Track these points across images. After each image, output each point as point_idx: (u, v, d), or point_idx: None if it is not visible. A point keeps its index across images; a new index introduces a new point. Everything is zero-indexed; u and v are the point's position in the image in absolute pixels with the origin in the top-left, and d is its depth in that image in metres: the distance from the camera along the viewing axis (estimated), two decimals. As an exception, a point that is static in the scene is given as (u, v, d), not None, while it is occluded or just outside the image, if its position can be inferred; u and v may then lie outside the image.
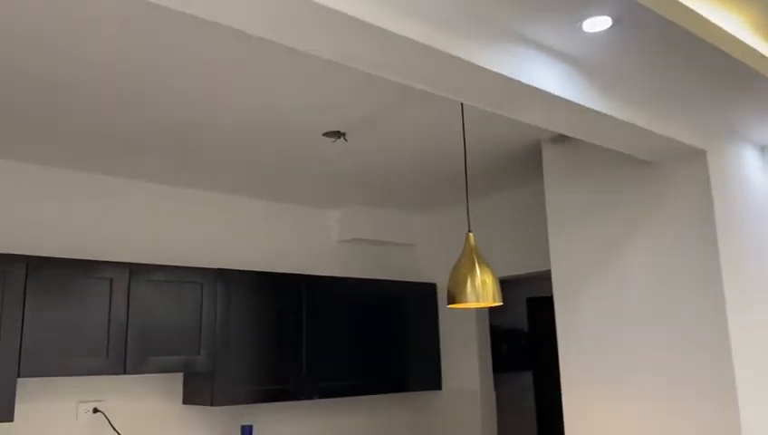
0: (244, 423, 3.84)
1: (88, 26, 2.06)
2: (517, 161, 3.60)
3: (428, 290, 4.59)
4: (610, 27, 2.02)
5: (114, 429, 3.40)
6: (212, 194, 4.04)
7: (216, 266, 3.89)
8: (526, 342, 6.11)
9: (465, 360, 4.40)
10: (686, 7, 1.91)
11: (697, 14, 1.96)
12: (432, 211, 4.73)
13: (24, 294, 2.97)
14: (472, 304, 2.36)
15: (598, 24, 2.00)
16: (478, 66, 1.84)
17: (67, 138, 3.05)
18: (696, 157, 2.73)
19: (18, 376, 2.90)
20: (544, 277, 3.93)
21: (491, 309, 4.57)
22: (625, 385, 2.85)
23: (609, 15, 1.96)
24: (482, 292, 2.30)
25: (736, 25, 2.13)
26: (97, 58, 2.28)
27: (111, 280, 3.23)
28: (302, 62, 2.37)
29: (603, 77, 2.30)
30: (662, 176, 2.84)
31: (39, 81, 2.45)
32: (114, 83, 2.49)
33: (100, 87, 2.52)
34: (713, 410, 2.58)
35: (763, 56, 2.27)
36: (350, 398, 4.34)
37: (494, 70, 1.88)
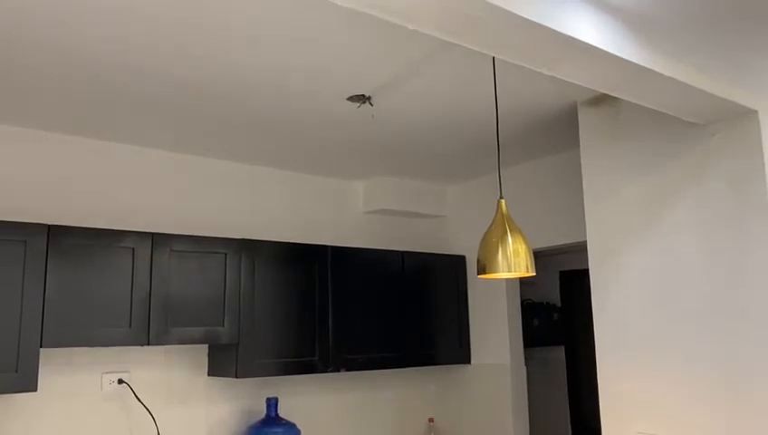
0: (269, 396, 3.79)
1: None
2: (551, 126, 3.43)
3: (457, 262, 4.47)
4: (658, -29, 1.85)
5: (139, 400, 3.37)
6: (235, 164, 3.96)
7: (240, 237, 3.82)
8: (559, 316, 5.97)
9: (494, 334, 4.29)
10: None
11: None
12: (461, 182, 4.59)
13: (46, 263, 2.93)
14: (503, 275, 2.23)
15: (644, -33, 1.83)
16: (511, 12, 1.68)
17: (89, 104, 2.98)
18: (748, 117, 2.53)
19: (41, 346, 2.87)
20: (578, 250, 3.77)
21: (522, 283, 4.44)
22: (665, 364, 2.70)
23: (657, -42, 1.79)
24: (514, 261, 2.17)
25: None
26: (111, 18, 2.18)
27: (134, 250, 3.18)
28: (322, 21, 2.24)
29: (648, 29, 2.12)
30: (709, 139, 2.65)
31: (57, 45, 2.36)
32: (133, 46, 2.40)
33: (118, 51, 2.43)
34: (762, 394, 2.42)
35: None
36: (376, 371, 4.27)
37: (529, 18, 1.73)
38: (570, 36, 1.85)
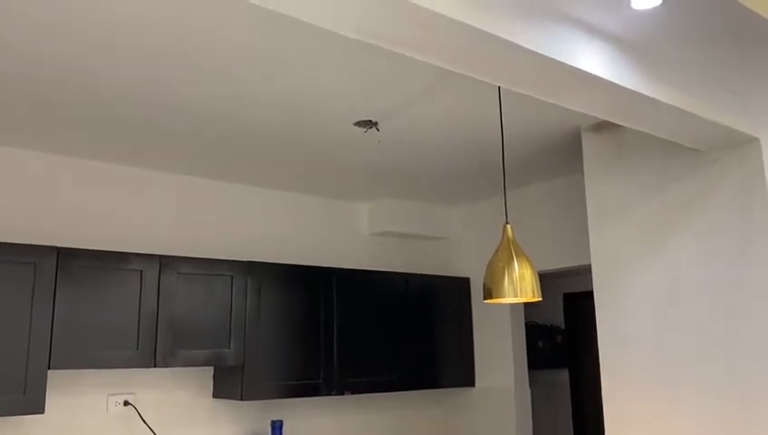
0: (274, 418, 3.79)
1: (110, 9, 2.01)
2: (555, 151, 3.47)
3: (462, 284, 4.48)
4: (661, 4, 1.90)
5: (144, 422, 3.38)
6: (242, 186, 4.00)
7: (246, 259, 3.85)
8: (563, 338, 5.96)
9: (499, 356, 4.29)
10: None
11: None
12: (465, 204, 4.62)
13: (55, 285, 2.96)
14: (509, 300, 2.25)
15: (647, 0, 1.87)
16: (517, 45, 1.73)
17: (96, 128, 3.02)
18: (749, 145, 2.57)
19: (48, 368, 2.88)
20: (581, 272, 3.79)
21: (526, 305, 4.45)
22: (670, 388, 2.71)
23: (659, -9, 1.84)
24: (520, 286, 2.19)
25: (797, 1, 1.98)
26: (120, 42, 2.23)
27: (142, 272, 3.20)
28: (331, 49, 2.28)
29: (651, 58, 2.17)
30: (711, 165, 2.68)
31: (68, 69, 2.41)
32: (139, 72, 2.44)
33: (125, 76, 2.48)
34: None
35: (825, 35, 2.11)
36: (381, 394, 4.27)
37: (534, 49, 1.77)
38: (572, 66, 1.89)
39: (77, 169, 3.44)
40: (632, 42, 2.12)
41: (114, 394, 3.34)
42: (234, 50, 2.29)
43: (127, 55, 2.31)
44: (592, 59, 1.97)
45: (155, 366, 3.17)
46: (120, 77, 2.49)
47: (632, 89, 2.07)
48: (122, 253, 3.17)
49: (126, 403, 3.35)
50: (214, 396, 3.63)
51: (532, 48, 1.77)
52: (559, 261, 3.92)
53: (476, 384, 4.40)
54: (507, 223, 2.34)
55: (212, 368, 3.65)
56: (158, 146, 3.28)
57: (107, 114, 2.85)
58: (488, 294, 2.25)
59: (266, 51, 2.31)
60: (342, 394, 3.78)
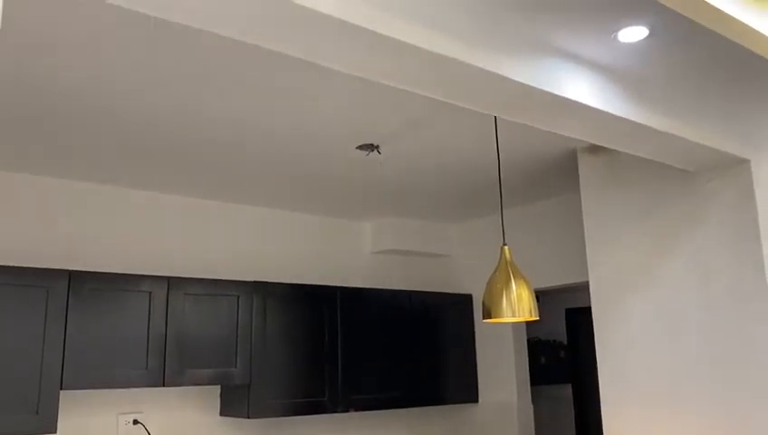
0: (280, 435, 3.85)
1: (112, 44, 2.10)
2: (553, 171, 3.55)
3: (464, 301, 4.55)
4: (646, 37, 1.98)
5: (153, 440, 3.44)
6: (247, 208, 4.08)
7: (252, 279, 3.92)
8: (565, 353, 6.00)
9: (502, 372, 4.34)
10: (725, 14, 1.86)
11: (738, 21, 1.90)
12: (467, 221, 4.69)
13: (67, 307, 3.04)
14: (508, 319, 2.33)
15: (633, 34, 1.96)
16: (511, 80, 1.82)
17: (104, 154, 3.12)
18: (740, 166, 2.65)
19: (61, 388, 2.96)
20: (583, 287, 3.86)
21: (528, 321, 4.50)
22: (668, 401, 2.76)
23: (645, 25, 1.92)
24: (518, 306, 2.27)
25: (780, 31, 2.06)
26: (124, 75, 2.32)
27: (150, 293, 3.28)
28: (333, 75, 2.37)
29: (640, 87, 2.25)
30: (705, 186, 2.76)
31: (72, 98, 2.50)
32: (143, 101, 2.53)
33: (130, 105, 2.57)
34: (764, 429, 2.48)
35: (808, 62, 2.19)
36: (386, 411, 4.32)
37: (528, 83, 1.86)
38: (566, 98, 1.97)
39: (87, 193, 3.53)
40: (623, 72, 2.20)
41: (124, 413, 3.40)
42: (239, 82, 2.38)
43: (134, 81, 2.40)
44: (585, 90, 2.05)
45: (163, 385, 3.24)
46: (129, 103, 2.58)
47: (623, 116, 2.16)
48: (132, 275, 3.26)
49: (135, 422, 3.42)
50: (221, 414, 3.69)
51: (528, 83, 1.86)
52: (558, 278, 3.98)
53: (480, 400, 4.45)
54: (505, 244, 2.41)
55: (219, 387, 3.72)
56: (165, 169, 3.37)
57: (115, 139, 2.94)
58: (487, 314, 2.33)
59: (275, 83, 2.39)
60: (347, 411, 3.83)
